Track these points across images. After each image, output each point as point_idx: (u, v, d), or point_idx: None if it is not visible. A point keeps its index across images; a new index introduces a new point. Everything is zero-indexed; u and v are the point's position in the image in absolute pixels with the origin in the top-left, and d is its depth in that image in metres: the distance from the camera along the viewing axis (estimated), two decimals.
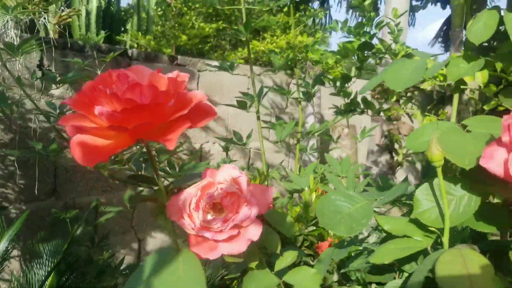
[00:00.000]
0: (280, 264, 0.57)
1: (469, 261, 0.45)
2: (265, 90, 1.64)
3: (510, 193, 0.45)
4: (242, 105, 1.63)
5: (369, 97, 2.56)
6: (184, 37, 2.77)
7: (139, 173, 0.89)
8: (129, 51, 2.36)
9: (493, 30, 0.54)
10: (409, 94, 2.21)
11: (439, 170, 0.49)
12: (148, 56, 2.43)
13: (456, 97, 0.59)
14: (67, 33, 1.78)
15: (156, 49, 2.65)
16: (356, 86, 2.99)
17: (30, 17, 1.42)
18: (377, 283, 0.72)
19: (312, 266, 1.25)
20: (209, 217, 0.46)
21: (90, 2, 2.56)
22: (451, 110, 0.64)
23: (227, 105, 1.77)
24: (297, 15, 3.13)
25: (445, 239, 0.51)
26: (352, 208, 0.59)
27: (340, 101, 1.92)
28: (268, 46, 2.93)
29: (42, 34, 1.68)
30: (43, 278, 1.16)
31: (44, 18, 1.49)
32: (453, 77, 0.56)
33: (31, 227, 1.92)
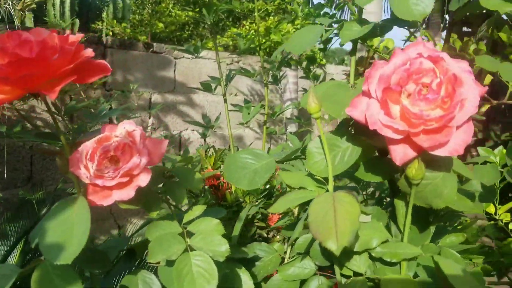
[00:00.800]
0: (188, 216, 0.61)
1: (338, 201, 0.49)
2: (247, 79, 1.67)
3: (380, 142, 0.49)
4: (206, 87, 1.67)
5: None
6: (160, 25, 2.80)
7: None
8: (104, 39, 2.39)
9: None
10: None
11: (318, 122, 0.53)
12: (123, 43, 2.45)
13: (353, 59, 0.63)
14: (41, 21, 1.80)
15: (132, 37, 2.69)
16: (328, 69, 3.03)
17: None
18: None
19: (265, 237, 1.29)
20: (104, 167, 0.50)
21: None
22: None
23: (194, 88, 1.81)
24: (277, 2, 3.15)
25: (330, 186, 0.55)
26: (258, 165, 0.63)
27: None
28: (247, 32, 2.96)
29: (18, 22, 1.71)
30: (5, 252, 1.21)
31: (9, 5, 1.51)
32: (345, 38, 0.59)
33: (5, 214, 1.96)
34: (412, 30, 0.63)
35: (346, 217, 0.47)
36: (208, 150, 2.45)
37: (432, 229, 0.66)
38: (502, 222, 1.22)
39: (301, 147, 0.63)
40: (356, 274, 0.57)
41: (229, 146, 1.77)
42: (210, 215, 0.68)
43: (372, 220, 0.56)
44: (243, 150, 0.65)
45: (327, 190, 0.57)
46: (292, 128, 3.09)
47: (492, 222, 1.25)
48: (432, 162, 0.49)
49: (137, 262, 0.67)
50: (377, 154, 0.62)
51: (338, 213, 0.47)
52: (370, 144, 0.55)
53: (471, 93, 0.44)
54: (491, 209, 1.26)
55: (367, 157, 0.58)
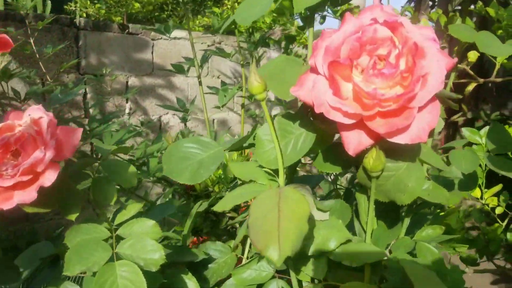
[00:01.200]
0: (121, 217, 0.53)
1: (284, 199, 0.41)
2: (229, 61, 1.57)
3: (334, 127, 0.41)
4: (178, 69, 1.58)
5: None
6: (137, 5, 2.68)
7: None
8: (76, 20, 2.28)
9: None
10: None
11: (263, 104, 0.45)
12: (96, 25, 2.34)
13: (310, 31, 0.54)
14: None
15: (107, 18, 2.57)
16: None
17: None
18: None
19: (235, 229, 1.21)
20: (4, 163, 0.42)
21: None
22: None
23: (165, 70, 1.71)
24: None
25: (281, 179, 0.48)
26: (205, 155, 0.55)
27: None
28: (229, 12, 2.85)
29: None
30: None
31: None
32: (300, 6, 0.51)
33: None
34: None
35: (292, 219, 0.39)
36: (188, 135, 2.36)
37: (406, 221, 0.58)
38: (488, 207, 1.16)
39: (252, 134, 0.55)
40: (314, 280, 0.50)
41: (215, 132, 1.69)
42: (156, 213, 0.60)
43: (330, 217, 0.48)
44: (188, 139, 0.56)
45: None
46: (277, 111, 3.01)
47: (479, 206, 1.19)
48: (394, 150, 0.41)
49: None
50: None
51: (282, 214, 0.39)
52: (322, 130, 0.47)
53: (436, 66, 0.35)
54: (477, 193, 1.19)
55: (325, 145, 0.50)
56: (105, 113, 2.33)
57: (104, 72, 1.92)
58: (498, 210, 1.16)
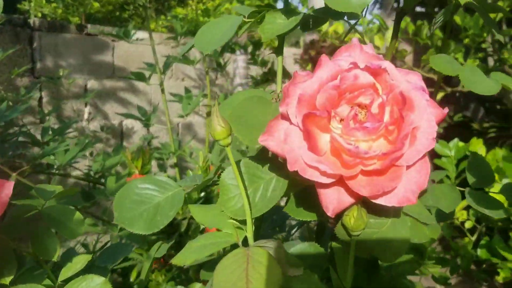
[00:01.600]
0: (67, 272, 0.46)
1: (252, 263, 0.36)
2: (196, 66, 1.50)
3: (308, 180, 0.36)
4: (139, 77, 1.50)
5: (293, 63, 2.46)
6: (96, 4, 2.57)
7: None
8: (31, 21, 2.15)
9: None
10: None
11: (228, 151, 0.39)
12: (52, 25, 2.22)
13: (279, 60, 0.49)
14: None
15: (64, 18, 2.44)
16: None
17: None
18: None
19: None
20: None
21: None
22: None
23: (123, 77, 1.63)
24: None
25: (249, 233, 0.42)
26: (162, 197, 0.49)
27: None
28: (193, 13, 2.77)
29: None
30: None
31: None
32: (267, 35, 0.45)
33: None
34: (353, 22, 0.50)
35: None
36: (151, 141, 2.27)
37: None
38: (458, 221, 1.14)
39: (214, 177, 0.49)
40: None
41: (180, 141, 1.61)
42: (109, 256, 0.54)
43: (304, 272, 0.43)
44: (142, 178, 0.50)
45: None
46: None
47: (447, 221, 1.17)
48: (376, 207, 0.37)
49: None
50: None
51: (251, 284, 0.34)
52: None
53: (426, 121, 0.31)
54: None
55: (298, 188, 0.45)
56: (62, 118, 2.21)
57: (61, 74, 1.81)
58: (468, 224, 1.14)
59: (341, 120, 0.34)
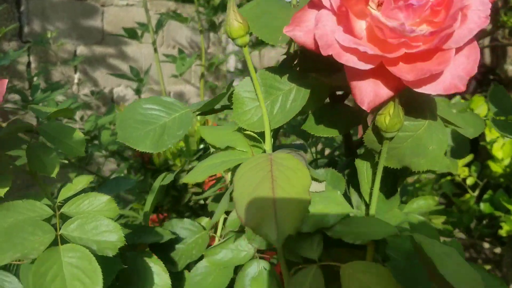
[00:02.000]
0: (66, 192, 0.43)
1: (277, 166, 0.32)
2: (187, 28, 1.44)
3: (338, 79, 0.33)
4: (131, 34, 1.44)
5: None
6: None
7: None
8: None
9: None
10: None
11: (245, 51, 0.36)
12: None
13: None
14: None
15: None
16: None
17: None
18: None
19: (204, 205, 1.13)
20: None
21: None
22: None
23: (120, 36, 1.57)
24: None
25: (267, 145, 0.39)
26: (169, 118, 0.45)
27: None
28: None
29: None
30: None
31: None
32: None
33: None
34: None
35: (290, 191, 0.31)
36: None
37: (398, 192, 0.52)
38: (459, 177, 1.13)
39: (229, 91, 0.46)
40: (306, 260, 0.42)
41: None
42: (110, 187, 0.51)
43: (326, 189, 0.41)
44: (147, 98, 0.46)
45: (264, 151, 0.41)
46: (237, 82, 2.90)
47: (449, 177, 1.16)
48: (412, 106, 0.34)
49: None
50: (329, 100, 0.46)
51: (277, 185, 0.31)
52: (322, 84, 0.39)
53: None
54: None
55: (318, 104, 0.42)
56: (51, 84, 2.15)
57: (49, 36, 1.74)
58: (469, 181, 1.13)
59: (379, 4, 0.30)
